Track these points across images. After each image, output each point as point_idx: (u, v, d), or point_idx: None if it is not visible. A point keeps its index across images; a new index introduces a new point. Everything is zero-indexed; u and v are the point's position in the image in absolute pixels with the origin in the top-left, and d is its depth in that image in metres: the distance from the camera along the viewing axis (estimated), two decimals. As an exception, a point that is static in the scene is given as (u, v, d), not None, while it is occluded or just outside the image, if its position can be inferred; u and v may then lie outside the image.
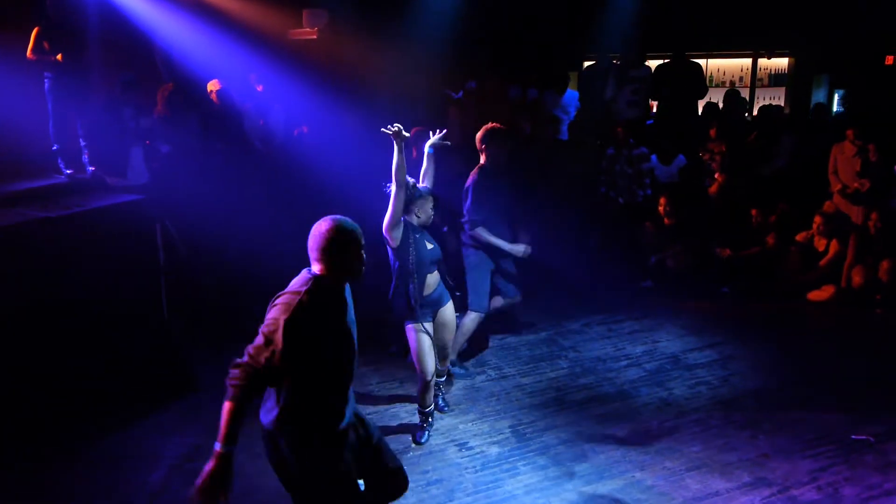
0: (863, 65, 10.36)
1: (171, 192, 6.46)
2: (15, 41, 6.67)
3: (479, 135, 5.13)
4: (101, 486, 4.03)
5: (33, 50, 6.75)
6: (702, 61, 13.21)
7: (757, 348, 5.79)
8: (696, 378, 5.30)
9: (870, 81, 9.98)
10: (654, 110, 8.75)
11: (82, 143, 6.74)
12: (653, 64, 8.83)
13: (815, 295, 6.73)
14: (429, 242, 4.31)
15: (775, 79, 12.73)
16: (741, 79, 13.29)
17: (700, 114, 8.31)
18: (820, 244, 6.81)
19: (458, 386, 5.23)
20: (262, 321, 2.65)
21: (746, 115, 9.26)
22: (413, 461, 4.26)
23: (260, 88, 7.35)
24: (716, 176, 7.41)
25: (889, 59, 11.76)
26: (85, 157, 6.79)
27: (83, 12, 7.25)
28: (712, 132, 7.51)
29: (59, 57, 6.77)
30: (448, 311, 4.50)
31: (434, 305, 4.39)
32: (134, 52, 7.10)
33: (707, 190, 7.45)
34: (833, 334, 6.16)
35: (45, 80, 6.79)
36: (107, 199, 6.11)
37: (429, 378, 4.35)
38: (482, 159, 5.16)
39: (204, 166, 6.83)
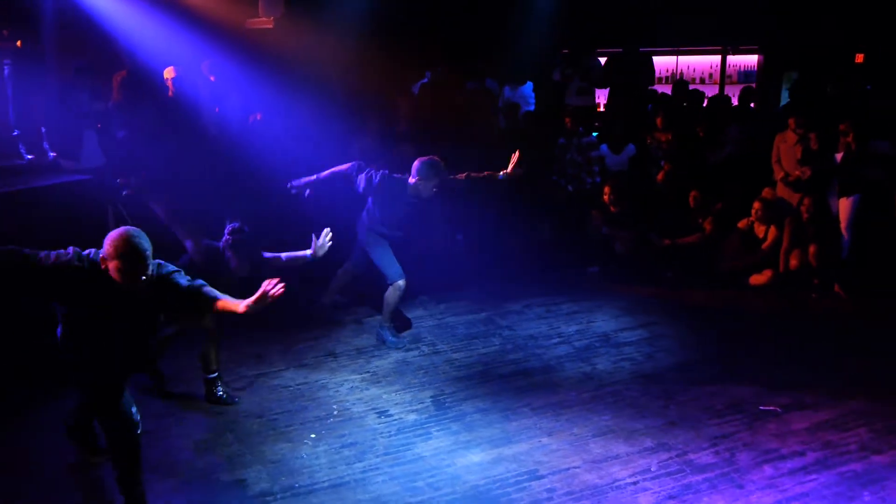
0: (832, 62, 10.54)
1: (128, 176, 6.61)
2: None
3: (416, 163, 5.34)
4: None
5: (-7, 37, 6.89)
6: (672, 58, 13.47)
7: (687, 329, 5.94)
8: (622, 355, 5.44)
9: (839, 79, 10.14)
10: (605, 100, 8.91)
11: (42, 129, 6.91)
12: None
13: (754, 279, 6.88)
14: None
15: (745, 76, 12.95)
16: (710, 76, 13.51)
17: (650, 105, 8.45)
18: (759, 230, 6.96)
19: (391, 359, 5.37)
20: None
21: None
22: (332, 426, 4.40)
23: (212, 78, 7.48)
24: (662, 164, 7.55)
25: (859, 57, 11.95)
26: (45, 143, 6.95)
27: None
28: (658, 121, 7.65)
29: (18, 43, 6.92)
30: None
31: None
32: (86, 38, 7.24)
33: (654, 178, 7.59)
34: (764, 316, 6.30)
35: (5, 67, 6.94)
36: (57, 179, 6.30)
37: None
38: (410, 179, 5.34)
39: (157, 151, 6.97)
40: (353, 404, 4.69)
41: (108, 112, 7.17)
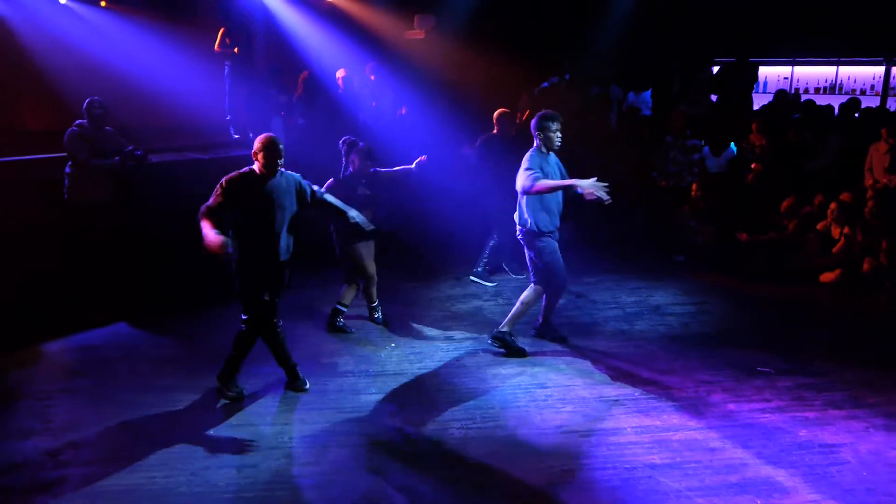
0: None
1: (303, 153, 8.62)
2: (205, 38, 9.22)
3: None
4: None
5: (219, 45, 9.35)
6: (832, 68, 13.45)
7: (734, 309, 6.70)
8: (662, 321, 6.39)
9: None
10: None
11: (248, 116, 9.18)
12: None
13: (825, 277, 7.36)
14: None
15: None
16: (872, 87, 13.32)
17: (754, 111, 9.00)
18: (835, 232, 7.41)
19: (470, 305, 6.76)
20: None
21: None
22: (409, 342, 5.90)
23: (373, 78, 9.30)
24: (752, 166, 8.17)
25: None
26: (248, 127, 9.21)
27: (254, 18, 9.73)
28: (754, 126, 8.27)
29: (236, 50, 9.27)
30: None
31: None
32: (281, 46, 9.39)
33: (745, 178, 8.24)
34: (815, 308, 6.83)
35: (226, 67, 9.33)
36: (246, 151, 8.44)
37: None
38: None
39: (326, 135, 8.92)
40: (430, 330, 6.15)
41: (292, 103, 9.26)
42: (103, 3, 10.13)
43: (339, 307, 6.12)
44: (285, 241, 4.76)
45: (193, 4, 9.66)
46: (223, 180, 4.61)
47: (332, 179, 5.90)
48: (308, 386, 4.98)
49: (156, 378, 5.18)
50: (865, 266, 7.11)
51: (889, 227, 7.01)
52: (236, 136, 9.31)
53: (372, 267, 6.07)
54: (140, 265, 6.77)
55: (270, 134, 4.70)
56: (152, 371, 5.31)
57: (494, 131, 6.75)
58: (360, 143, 6.00)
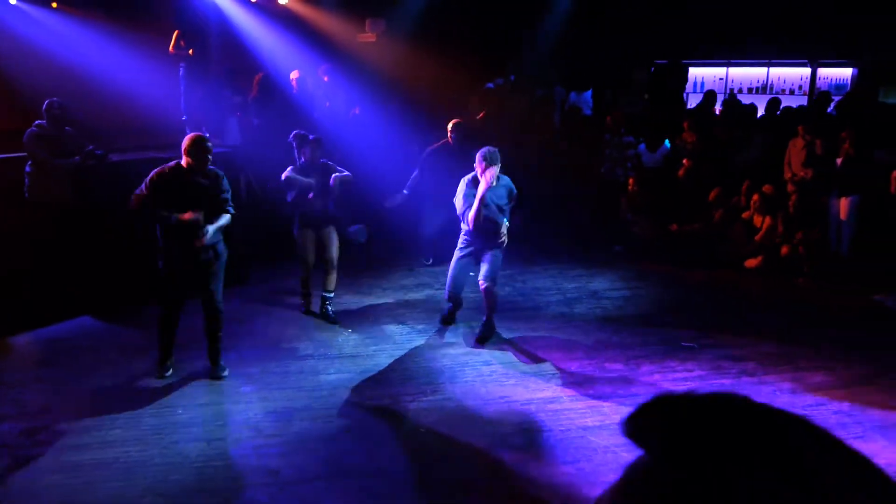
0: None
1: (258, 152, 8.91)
2: (159, 41, 9.41)
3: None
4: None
5: (174, 47, 9.54)
6: (763, 69, 14.32)
7: (666, 293, 7.27)
8: (599, 305, 6.92)
9: None
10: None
11: (203, 116, 9.40)
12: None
13: (748, 263, 8.00)
14: None
15: (837, 88, 13.55)
16: (800, 87, 14.24)
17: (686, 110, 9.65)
18: (758, 221, 8.06)
19: (423, 293, 7.18)
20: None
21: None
22: (365, 327, 6.28)
23: (326, 79, 9.64)
24: (684, 162, 8.79)
25: None
26: (204, 127, 9.42)
27: (208, 20, 9.95)
28: (685, 124, 8.89)
29: (191, 52, 9.48)
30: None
31: None
32: (236, 48, 9.64)
33: (677, 173, 8.85)
34: (741, 291, 7.46)
35: (181, 68, 9.53)
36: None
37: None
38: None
39: (281, 135, 9.23)
40: (385, 317, 6.55)
41: (248, 104, 9.52)
42: (54, 5, 10.21)
43: (325, 294, 6.45)
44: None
45: (147, 7, 9.83)
46: (154, 172, 5.03)
47: (290, 167, 6.25)
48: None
49: (123, 365, 5.45)
50: (784, 252, 7.77)
51: (806, 218, 7.68)
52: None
53: (310, 257, 6.36)
54: (102, 261, 6.99)
55: (197, 133, 5.02)
56: (119, 359, 5.57)
57: (447, 140, 7.20)
58: (311, 136, 6.38)
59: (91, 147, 6.87)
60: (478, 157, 5.55)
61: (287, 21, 9.38)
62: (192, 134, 5.01)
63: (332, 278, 6.44)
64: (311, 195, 6.18)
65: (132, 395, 4.95)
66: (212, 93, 9.48)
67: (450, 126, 7.43)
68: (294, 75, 9.53)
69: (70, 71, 8.59)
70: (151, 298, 6.66)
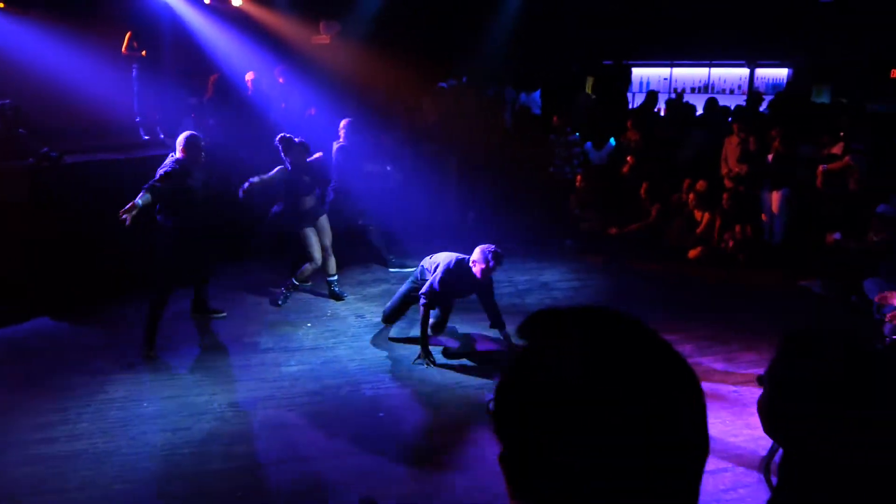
0: (864, 77, 11.81)
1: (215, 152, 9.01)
2: (111, 43, 9.42)
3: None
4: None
5: (127, 48, 9.56)
6: (705, 70, 14.96)
7: (613, 283, 7.65)
8: (549, 295, 7.25)
9: (870, 94, 11.34)
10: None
11: (157, 117, 9.45)
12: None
13: (690, 253, 8.44)
14: None
15: (773, 88, 14.22)
16: (739, 87, 14.89)
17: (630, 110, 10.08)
18: (697, 215, 8.51)
19: (380, 288, 7.41)
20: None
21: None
22: (324, 321, 6.49)
23: (281, 80, 9.79)
24: (628, 159, 9.20)
25: (893, 73, 13.02)
26: (158, 127, 9.48)
27: (161, 21, 10.00)
28: (629, 123, 9.31)
29: (143, 53, 9.52)
30: None
31: None
32: (190, 49, 9.72)
33: (622, 170, 9.26)
34: (682, 279, 7.88)
35: (133, 69, 9.55)
36: (162, 151, 8.74)
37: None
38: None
39: (238, 135, 9.34)
40: (343, 311, 6.76)
41: (203, 105, 9.60)
42: (2, 5, 10.10)
43: (329, 279, 6.96)
44: None
45: (99, 8, 9.82)
46: (161, 172, 5.34)
47: (279, 169, 6.54)
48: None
49: (84, 363, 5.55)
50: (722, 244, 8.23)
51: (741, 211, 8.15)
52: (146, 137, 9.56)
53: (317, 250, 6.73)
54: (57, 263, 7.03)
55: (192, 133, 5.26)
56: (79, 357, 5.67)
57: (342, 141, 7.50)
58: (296, 139, 6.59)
59: (46, 149, 6.91)
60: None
61: (241, 23, 9.49)
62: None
63: (332, 262, 6.98)
64: (308, 195, 6.66)
65: (97, 391, 5.07)
66: (166, 94, 9.54)
67: (342, 125, 7.68)
68: (249, 76, 9.65)
69: (22, 73, 8.55)
70: (106, 297, 6.83)
